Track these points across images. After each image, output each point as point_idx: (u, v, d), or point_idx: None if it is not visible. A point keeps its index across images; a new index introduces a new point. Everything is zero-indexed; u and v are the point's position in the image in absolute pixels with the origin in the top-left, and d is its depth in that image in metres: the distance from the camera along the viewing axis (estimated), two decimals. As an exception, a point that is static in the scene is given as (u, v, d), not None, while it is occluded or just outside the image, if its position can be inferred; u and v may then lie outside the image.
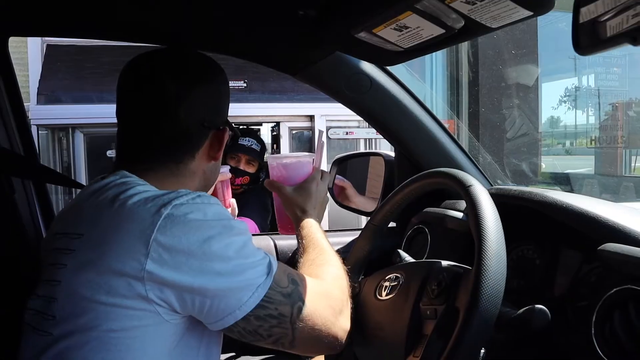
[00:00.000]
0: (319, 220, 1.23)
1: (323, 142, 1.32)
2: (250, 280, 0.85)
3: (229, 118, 1.10)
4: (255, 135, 3.17)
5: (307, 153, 1.30)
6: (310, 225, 1.18)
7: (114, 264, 0.82)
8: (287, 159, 1.28)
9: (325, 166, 4.43)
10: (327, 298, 0.96)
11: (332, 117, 4.19)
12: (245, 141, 2.72)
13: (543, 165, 7.64)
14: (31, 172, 1.55)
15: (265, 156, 1.12)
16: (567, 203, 1.03)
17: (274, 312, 0.87)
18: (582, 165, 8.92)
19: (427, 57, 6.59)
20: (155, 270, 0.80)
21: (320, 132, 1.35)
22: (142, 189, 0.90)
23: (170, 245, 0.81)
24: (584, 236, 0.98)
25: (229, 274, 0.84)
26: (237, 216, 2.55)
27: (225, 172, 1.41)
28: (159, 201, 0.85)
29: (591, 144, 8.62)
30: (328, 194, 1.32)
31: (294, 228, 1.23)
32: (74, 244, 0.88)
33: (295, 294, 0.90)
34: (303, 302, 0.90)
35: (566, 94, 9.84)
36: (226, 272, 0.84)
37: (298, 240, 1.17)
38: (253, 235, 1.73)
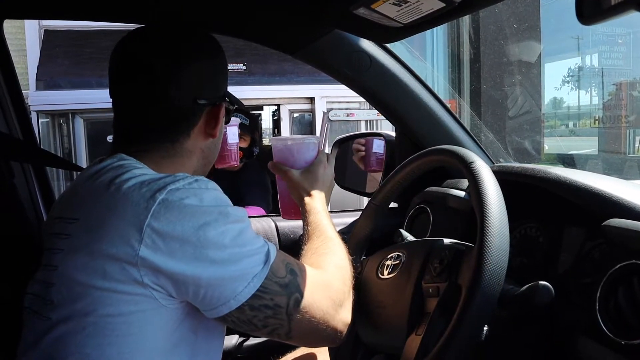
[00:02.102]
0: (326, 204, 1.20)
1: (328, 124, 1.28)
2: (246, 269, 0.83)
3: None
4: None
5: (311, 135, 1.28)
6: (316, 211, 1.14)
7: (108, 248, 0.80)
8: (292, 141, 1.24)
9: (326, 149, 4.42)
10: (328, 289, 0.93)
11: (333, 98, 4.18)
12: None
13: (546, 147, 7.61)
14: (30, 156, 1.54)
15: (268, 138, 1.10)
16: (570, 179, 1.01)
17: (269, 302, 0.85)
18: (586, 146, 8.88)
19: (427, 33, 6.53)
20: (149, 257, 0.79)
21: (324, 113, 1.31)
22: (139, 172, 0.87)
23: (164, 231, 0.79)
24: (588, 212, 0.97)
25: (224, 262, 0.81)
26: (245, 205, 2.53)
27: (234, 125, 1.42)
28: (154, 185, 0.82)
29: (595, 124, 8.58)
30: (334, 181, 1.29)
31: (298, 213, 1.20)
32: (69, 229, 0.87)
33: (292, 285, 0.87)
34: (301, 293, 0.88)
35: (569, 74, 9.77)
36: (221, 260, 0.81)
37: (304, 226, 1.13)
38: (254, 217, 1.73)
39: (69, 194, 1.00)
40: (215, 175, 1.37)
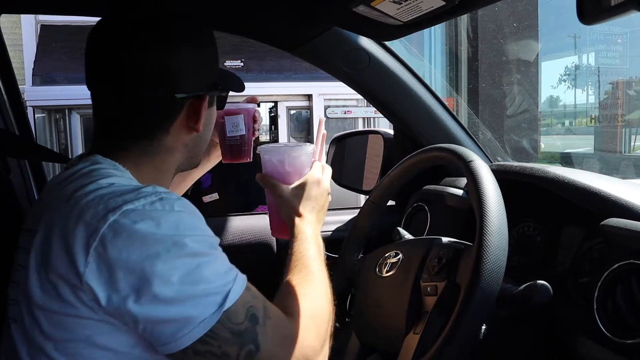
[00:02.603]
0: (319, 226, 1.07)
1: (324, 130, 1.13)
2: (192, 313, 0.72)
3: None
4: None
5: (306, 144, 1.10)
6: (304, 237, 1.00)
7: (59, 267, 0.73)
8: (283, 151, 1.07)
9: (322, 158, 4.41)
10: (294, 344, 0.82)
11: (331, 96, 4.18)
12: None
13: (542, 146, 7.62)
14: (26, 152, 1.53)
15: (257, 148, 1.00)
16: (569, 178, 1.01)
17: (216, 350, 0.74)
18: (582, 144, 8.90)
19: (426, 32, 6.52)
20: (92, 283, 0.71)
21: (320, 119, 1.15)
22: (105, 182, 0.79)
23: (109, 257, 0.71)
24: (586, 212, 0.97)
25: (168, 301, 0.71)
26: (254, 205, 2.44)
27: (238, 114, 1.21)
28: (111, 203, 0.74)
29: (591, 122, 8.59)
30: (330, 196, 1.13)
31: (289, 233, 1.05)
32: (30, 242, 0.80)
33: (248, 334, 0.76)
34: (257, 345, 0.76)
35: (566, 73, 9.78)
36: (165, 298, 0.71)
37: (288, 252, 1.00)
38: (257, 214, 1.71)
39: (36, 202, 0.94)
40: (224, 170, 1.30)
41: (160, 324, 0.72)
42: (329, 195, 1.11)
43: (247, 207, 2.92)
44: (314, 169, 1.08)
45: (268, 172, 1.08)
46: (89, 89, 0.91)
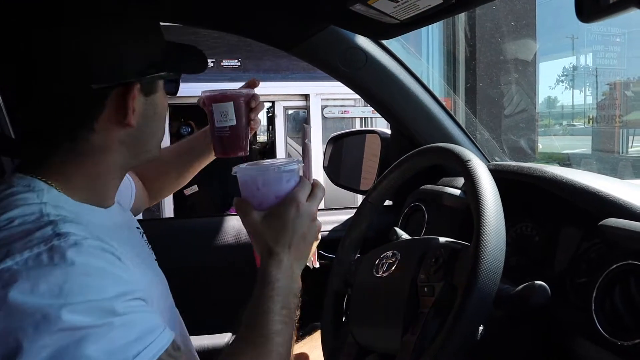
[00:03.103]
0: (297, 263, 0.85)
1: (308, 143, 0.94)
2: None
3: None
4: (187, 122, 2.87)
5: (289, 159, 0.91)
6: (269, 286, 0.80)
7: None
8: (255, 171, 0.87)
9: (320, 147, 4.44)
10: None
11: (328, 95, 4.17)
12: (185, 130, 2.29)
13: (540, 146, 7.63)
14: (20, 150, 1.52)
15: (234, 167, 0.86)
16: (567, 178, 1.01)
17: None
18: (579, 145, 8.92)
19: (423, 30, 6.51)
20: None
21: (305, 127, 0.96)
22: (4, 219, 0.65)
23: None
24: (584, 212, 0.96)
25: None
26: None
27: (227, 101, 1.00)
28: None
29: (589, 123, 8.61)
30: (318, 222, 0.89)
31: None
32: None
33: None
34: None
35: (564, 74, 9.80)
36: None
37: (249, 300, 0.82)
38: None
39: None
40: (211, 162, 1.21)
41: None
42: (316, 222, 0.87)
43: (224, 204, 2.82)
44: (295, 189, 0.86)
45: (243, 195, 0.88)
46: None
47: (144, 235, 0.95)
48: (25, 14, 0.67)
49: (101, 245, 0.66)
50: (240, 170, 0.87)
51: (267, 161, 0.92)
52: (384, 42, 1.44)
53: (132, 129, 0.76)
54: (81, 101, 0.72)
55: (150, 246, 0.94)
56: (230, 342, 0.74)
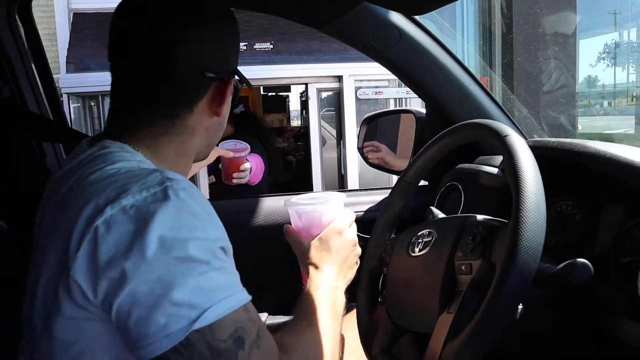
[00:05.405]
0: (342, 280, 1.02)
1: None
2: (167, 321, 0.66)
3: (257, 79, 1.03)
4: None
5: (331, 194, 1.09)
6: (317, 286, 0.96)
7: (56, 265, 0.71)
8: (300, 207, 1.06)
9: (354, 129, 4.42)
10: None
11: (361, 77, 4.13)
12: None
13: (580, 127, 7.42)
14: (60, 136, 1.55)
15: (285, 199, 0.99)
16: (610, 153, 0.97)
17: None
18: (622, 125, 8.64)
19: (458, 5, 6.36)
20: (79, 278, 0.68)
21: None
22: (111, 169, 0.75)
23: (98, 253, 0.67)
24: (629, 188, 0.92)
25: (143, 303, 0.66)
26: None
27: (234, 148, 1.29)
28: (111, 195, 0.70)
29: (632, 101, 8.32)
30: (358, 249, 1.09)
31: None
32: (37, 238, 0.79)
33: (226, 355, 0.69)
34: None
35: (605, 51, 9.47)
36: (141, 299, 0.66)
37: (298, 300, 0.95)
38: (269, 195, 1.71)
39: (45, 194, 0.89)
40: None
41: (134, 325, 0.67)
42: (357, 247, 1.07)
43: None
44: (339, 218, 1.05)
45: (292, 224, 1.08)
46: (110, 62, 0.87)
47: None
48: (170, 21, 0.83)
49: (203, 195, 0.75)
50: (290, 204, 1.07)
51: (304, 197, 1.10)
52: (417, 18, 1.41)
53: (219, 118, 0.90)
54: (194, 84, 0.85)
55: None
56: (284, 322, 0.90)
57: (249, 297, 0.74)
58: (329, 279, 0.99)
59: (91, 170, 0.76)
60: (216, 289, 0.69)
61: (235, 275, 0.74)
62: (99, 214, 0.68)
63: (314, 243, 1.03)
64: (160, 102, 0.84)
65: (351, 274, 1.06)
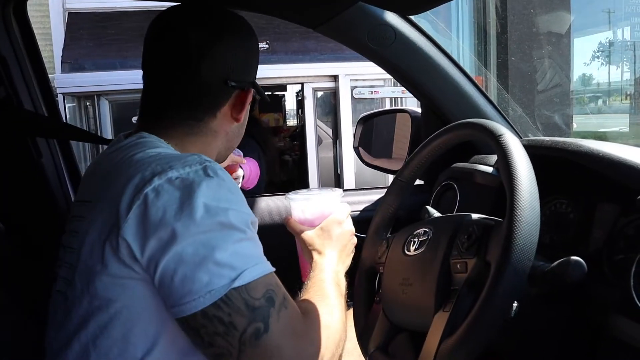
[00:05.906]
0: (342, 265, 1.13)
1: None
2: (209, 279, 0.75)
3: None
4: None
5: (331, 189, 1.21)
6: (321, 268, 1.07)
7: (107, 230, 0.78)
8: (303, 201, 1.18)
9: (350, 128, 4.43)
10: (301, 342, 0.83)
11: (357, 76, 4.13)
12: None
13: (575, 125, 7.44)
14: (55, 131, 1.56)
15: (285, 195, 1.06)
16: (603, 151, 0.98)
17: (225, 317, 0.75)
18: (616, 124, 8.66)
19: (453, 5, 6.36)
20: (128, 238, 0.76)
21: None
22: (152, 151, 0.86)
23: (148, 214, 0.76)
24: (622, 186, 0.93)
25: (189, 260, 0.75)
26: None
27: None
28: (157, 168, 0.80)
29: (626, 99, 8.35)
30: (354, 238, 1.20)
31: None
32: (84, 211, 0.87)
33: (261, 312, 0.77)
34: (266, 326, 0.77)
35: (599, 49, 9.49)
36: (186, 257, 0.75)
37: (305, 282, 1.05)
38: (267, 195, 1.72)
39: (88, 174, 1.01)
40: None
41: (180, 282, 0.75)
42: (353, 237, 1.19)
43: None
44: (337, 211, 1.16)
45: (294, 216, 1.18)
46: (144, 64, 0.99)
47: None
48: (200, 37, 0.94)
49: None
50: (292, 198, 1.19)
51: (305, 192, 1.22)
52: (412, 18, 1.42)
53: (239, 123, 1.02)
54: (218, 91, 0.97)
55: None
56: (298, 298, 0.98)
57: (273, 268, 0.83)
58: (332, 263, 1.09)
59: (134, 152, 0.86)
60: (250, 256, 0.79)
61: (262, 248, 0.84)
62: (147, 183, 0.78)
63: (317, 232, 1.13)
64: (188, 106, 0.96)
65: (349, 260, 1.16)
